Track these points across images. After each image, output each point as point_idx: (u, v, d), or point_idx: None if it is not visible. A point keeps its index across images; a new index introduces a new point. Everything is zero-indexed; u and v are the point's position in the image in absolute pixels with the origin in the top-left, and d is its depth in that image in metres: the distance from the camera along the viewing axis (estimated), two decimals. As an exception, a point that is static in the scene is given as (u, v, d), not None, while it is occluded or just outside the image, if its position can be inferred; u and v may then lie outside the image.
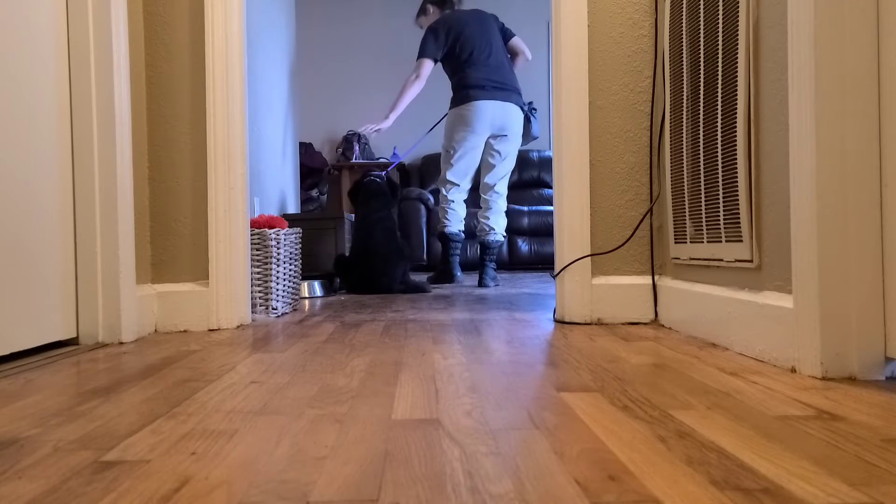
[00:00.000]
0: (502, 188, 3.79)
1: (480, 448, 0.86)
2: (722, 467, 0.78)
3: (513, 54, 3.81)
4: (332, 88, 6.59)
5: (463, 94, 3.65)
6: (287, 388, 1.24)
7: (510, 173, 3.83)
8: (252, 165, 3.31)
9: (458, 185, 3.78)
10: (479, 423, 0.98)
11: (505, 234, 3.91)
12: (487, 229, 3.77)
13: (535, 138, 3.84)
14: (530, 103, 3.83)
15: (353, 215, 3.84)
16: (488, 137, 3.72)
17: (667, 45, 2.00)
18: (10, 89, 1.58)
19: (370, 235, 3.54)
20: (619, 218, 2.14)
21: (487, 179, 3.77)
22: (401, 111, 3.80)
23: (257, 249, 2.51)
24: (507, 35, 3.79)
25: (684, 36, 1.85)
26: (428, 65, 3.68)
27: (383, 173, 3.89)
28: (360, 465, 0.80)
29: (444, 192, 3.82)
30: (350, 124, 6.56)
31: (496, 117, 3.65)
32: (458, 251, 3.91)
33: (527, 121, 3.75)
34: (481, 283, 3.72)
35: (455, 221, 3.84)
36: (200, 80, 2.13)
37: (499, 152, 3.73)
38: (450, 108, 3.75)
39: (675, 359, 1.48)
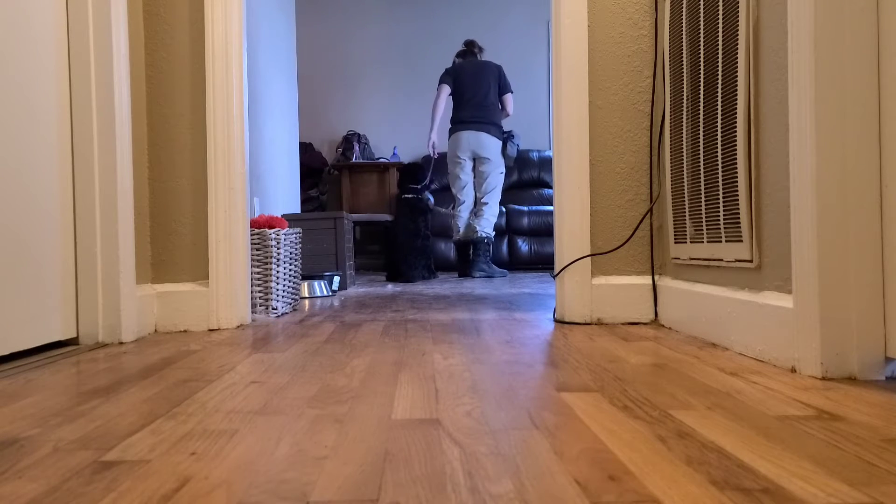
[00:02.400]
0: (489, 199, 4.77)
1: (480, 448, 0.86)
2: (722, 467, 0.78)
3: (502, 104, 4.77)
4: (332, 88, 6.59)
5: (452, 127, 4.77)
6: (287, 388, 1.24)
7: (496, 188, 4.76)
8: (252, 165, 3.31)
9: (464, 202, 4.82)
10: (479, 423, 0.98)
11: (487, 231, 4.75)
12: (473, 230, 4.76)
13: (512, 157, 4.78)
14: (509, 132, 4.80)
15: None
16: (474, 160, 4.76)
17: (667, 45, 2.00)
18: (11, 89, 1.58)
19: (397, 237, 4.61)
20: (619, 218, 2.14)
21: (478, 194, 4.82)
22: (437, 125, 4.85)
23: (257, 249, 2.51)
24: (502, 88, 4.73)
25: (684, 36, 1.85)
26: (445, 88, 4.74)
27: (427, 195, 4.92)
28: (360, 465, 0.81)
29: (454, 207, 4.90)
30: (350, 124, 6.57)
31: (471, 142, 4.69)
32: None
33: (504, 145, 4.74)
34: (468, 274, 4.75)
35: (464, 231, 4.84)
36: (200, 80, 2.13)
37: (482, 172, 4.75)
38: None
39: (675, 359, 1.48)
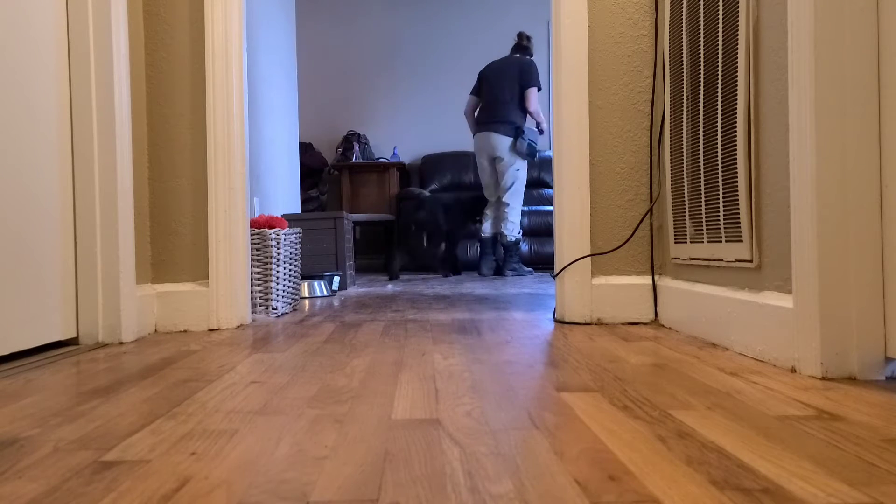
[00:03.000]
0: (509, 199, 4.75)
1: (480, 448, 0.86)
2: (722, 467, 0.78)
3: (524, 100, 4.71)
4: (332, 88, 6.59)
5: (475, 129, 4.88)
6: (287, 388, 1.24)
7: (514, 186, 4.73)
8: (252, 165, 3.32)
9: (488, 202, 4.92)
10: (479, 423, 0.98)
11: (514, 235, 4.77)
12: (501, 235, 4.84)
13: (522, 152, 4.68)
14: (518, 127, 4.71)
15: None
16: (493, 160, 4.79)
17: (667, 45, 2.00)
18: (11, 89, 1.58)
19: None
20: (619, 218, 2.14)
21: (499, 193, 4.84)
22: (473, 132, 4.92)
23: (257, 249, 2.51)
24: (524, 84, 4.68)
25: (684, 36, 1.85)
26: (472, 98, 4.89)
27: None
28: (360, 465, 0.81)
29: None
30: (350, 124, 6.56)
31: (485, 144, 4.75)
32: (487, 251, 4.89)
33: (514, 140, 4.67)
34: (500, 273, 4.86)
35: (486, 228, 4.89)
36: (200, 80, 2.13)
37: (498, 172, 4.79)
38: None
39: (675, 359, 1.48)
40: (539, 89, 4.70)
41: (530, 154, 4.69)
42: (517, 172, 4.73)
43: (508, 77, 4.67)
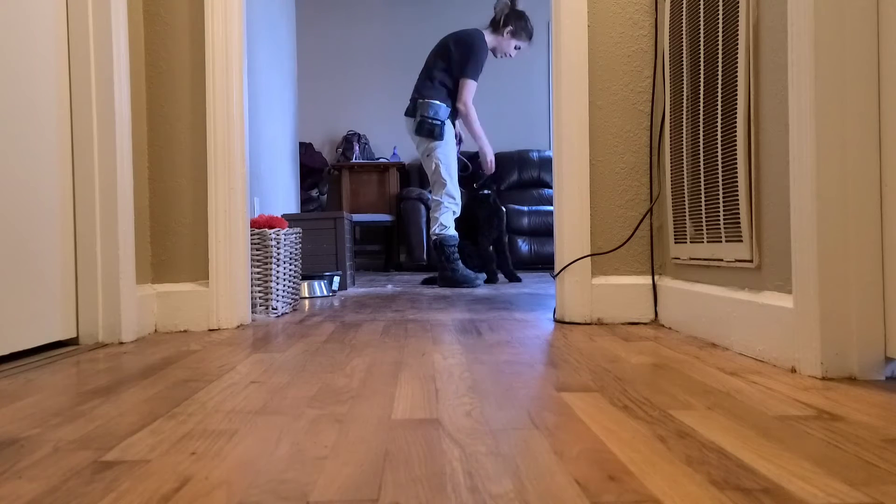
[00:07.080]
0: (435, 193, 3.95)
1: (480, 448, 0.86)
2: (722, 467, 0.78)
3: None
4: (332, 88, 6.59)
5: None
6: (287, 388, 1.24)
7: (433, 177, 3.93)
8: (252, 165, 3.31)
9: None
10: (479, 422, 0.98)
11: (436, 231, 3.91)
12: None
13: (422, 132, 3.85)
14: (417, 100, 3.89)
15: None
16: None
17: (667, 45, 2.00)
18: (11, 89, 1.58)
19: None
20: (619, 218, 2.14)
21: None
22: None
23: (257, 249, 2.51)
24: (451, 58, 3.97)
25: (684, 36, 1.85)
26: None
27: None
28: (360, 465, 0.80)
29: None
30: (350, 124, 6.56)
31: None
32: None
33: (414, 119, 3.89)
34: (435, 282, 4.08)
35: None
36: (200, 80, 2.13)
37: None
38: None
39: (675, 359, 1.48)
40: (467, 76, 3.82)
41: (429, 132, 3.80)
42: (428, 159, 3.88)
43: (441, 46, 3.97)
